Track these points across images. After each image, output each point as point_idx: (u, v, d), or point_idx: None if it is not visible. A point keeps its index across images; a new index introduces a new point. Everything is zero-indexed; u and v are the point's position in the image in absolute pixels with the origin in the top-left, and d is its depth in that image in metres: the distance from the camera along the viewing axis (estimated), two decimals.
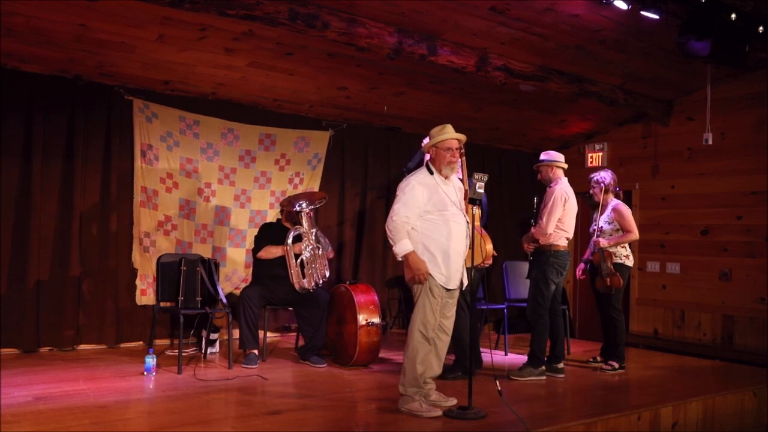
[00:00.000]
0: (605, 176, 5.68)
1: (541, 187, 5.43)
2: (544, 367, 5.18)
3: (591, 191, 5.74)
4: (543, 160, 5.36)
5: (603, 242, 5.51)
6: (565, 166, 5.36)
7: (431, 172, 4.11)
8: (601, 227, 5.60)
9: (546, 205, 5.18)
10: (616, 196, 5.72)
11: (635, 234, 5.55)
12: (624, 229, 5.54)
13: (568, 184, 5.30)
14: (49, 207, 5.66)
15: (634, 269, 7.15)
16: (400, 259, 4.04)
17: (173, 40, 5.11)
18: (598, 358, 5.76)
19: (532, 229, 5.26)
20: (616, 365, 5.50)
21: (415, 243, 4.00)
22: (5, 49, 5.08)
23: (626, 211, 5.61)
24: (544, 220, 5.14)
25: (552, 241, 5.15)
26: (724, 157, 7.00)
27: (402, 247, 3.98)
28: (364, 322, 5.25)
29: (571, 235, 5.28)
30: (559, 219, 5.14)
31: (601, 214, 5.65)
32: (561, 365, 5.29)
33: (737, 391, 4.94)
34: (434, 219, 4.02)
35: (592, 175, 5.78)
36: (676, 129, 7.43)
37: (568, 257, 5.26)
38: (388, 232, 4.05)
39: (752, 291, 6.74)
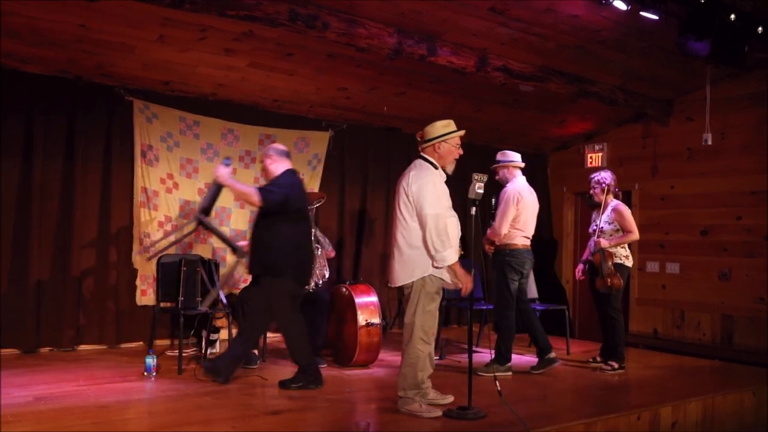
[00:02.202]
0: (606, 176, 5.69)
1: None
2: (510, 365, 5.24)
3: (591, 191, 5.74)
4: (499, 161, 5.38)
5: (604, 242, 5.51)
6: (522, 165, 5.39)
7: (436, 168, 3.99)
8: (602, 227, 5.60)
9: (499, 206, 5.21)
10: (616, 197, 5.73)
11: (636, 234, 5.55)
12: (624, 230, 5.55)
13: (525, 183, 5.34)
14: (49, 207, 5.67)
15: (634, 269, 7.15)
16: (442, 266, 3.82)
17: (173, 40, 5.12)
18: (598, 358, 5.76)
19: (488, 231, 5.29)
20: (616, 365, 5.50)
21: None
22: (5, 50, 5.08)
23: (626, 211, 5.62)
24: (497, 221, 5.19)
25: (507, 241, 5.20)
26: (723, 157, 7.00)
27: (452, 255, 3.78)
28: (364, 323, 5.25)
29: (529, 234, 5.30)
30: (514, 218, 5.18)
31: (602, 214, 5.66)
32: (552, 354, 5.32)
33: (737, 390, 4.95)
34: (449, 216, 3.91)
35: (592, 176, 5.78)
36: (675, 129, 7.44)
37: (526, 254, 5.28)
38: (433, 234, 3.76)
39: (752, 291, 6.75)
